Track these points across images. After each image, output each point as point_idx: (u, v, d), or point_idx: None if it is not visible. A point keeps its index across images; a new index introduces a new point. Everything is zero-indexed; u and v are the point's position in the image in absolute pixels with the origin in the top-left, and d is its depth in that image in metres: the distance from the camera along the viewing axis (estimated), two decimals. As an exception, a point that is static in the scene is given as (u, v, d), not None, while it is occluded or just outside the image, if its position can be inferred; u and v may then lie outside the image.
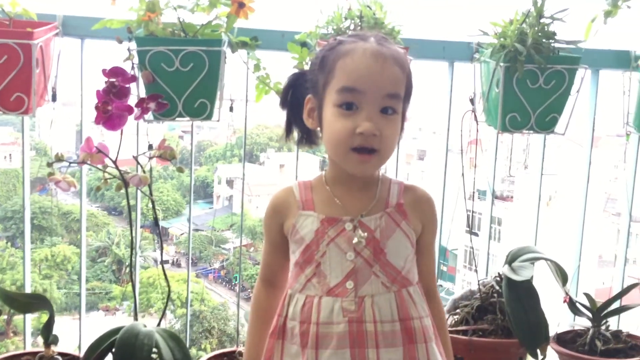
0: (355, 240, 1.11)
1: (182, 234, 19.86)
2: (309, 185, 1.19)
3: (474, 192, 1.75)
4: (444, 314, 1.25)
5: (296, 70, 1.22)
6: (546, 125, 1.69)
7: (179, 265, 19.09)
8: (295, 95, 1.18)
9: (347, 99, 1.07)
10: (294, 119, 1.19)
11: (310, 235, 1.13)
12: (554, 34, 1.63)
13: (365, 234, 1.12)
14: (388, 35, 1.57)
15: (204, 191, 23.64)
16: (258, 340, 1.21)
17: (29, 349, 1.63)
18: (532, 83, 1.63)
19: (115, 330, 1.39)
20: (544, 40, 1.61)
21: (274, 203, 1.20)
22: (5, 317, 14.71)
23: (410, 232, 1.15)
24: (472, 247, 1.81)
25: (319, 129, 1.15)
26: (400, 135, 1.15)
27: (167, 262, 18.80)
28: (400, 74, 1.09)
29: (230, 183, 22.25)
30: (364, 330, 1.10)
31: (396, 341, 1.10)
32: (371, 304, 1.10)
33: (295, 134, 1.21)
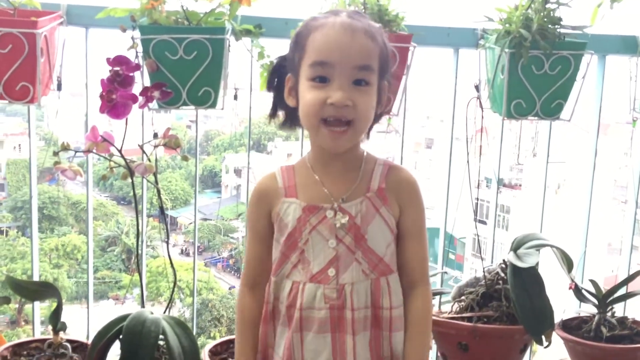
0: (337, 225, 1.11)
1: (190, 223, 19.93)
2: (291, 170, 1.19)
3: (478, 180, 1.74)
4: (424, 312, 1.16)
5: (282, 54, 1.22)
6: (552, 111, 1.68)
7: (187, 254, 19.19)
8: (280, 78, 1.18)
9: (318, 72, 1.07)
10: (278, 101, 1.20)
11: (293, 223, 1.13)
12: (560, 19, 1.62)
13: (347, 218, 1.11)
14: (392, 22, 1.57)
15: (212, 180, 23.71)
16: (249, 350, 1.19)
17: (38, 336, 1.65)
18: (538, 69, 1.62)
19: (123, 318, 1.40)
20: (549, 25, 1.60)
21: (259, 190, 1.19)
22: (16, 306, 14.89)
23: (389, 218, 1.14)
24: (477, 235, 1.80)
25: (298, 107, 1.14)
26: (380, 108, 1.14)
27: (173, 245, 18.88)
28: (371, 46, 1.08)
29: (238, 172, 22.29)
30: (344, 317, 1.11)
31: (366, 325, 1.12)
32: (350, 291, 1.11)
33: (281, 117, 1.21)
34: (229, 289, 17.69)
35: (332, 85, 1.07)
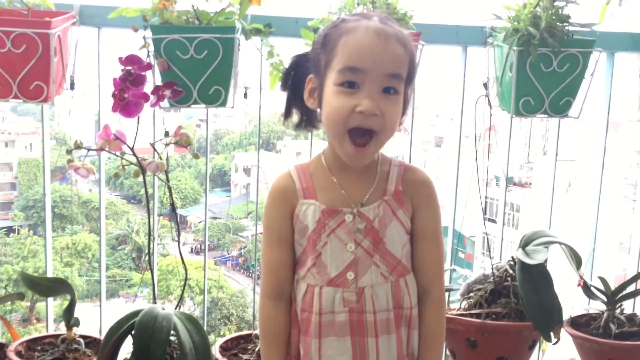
0: (355, 229, 1.10)
1: (200, 222, 20.00)
2: (306, 169, 1.16)
3: (487, 179, 1.75)
4: (438, 323, 1.16)
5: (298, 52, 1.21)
6: (560, 109, 1.68)
7: (197, 253, 19.25)
8: (297, 77, 1.16)
9: (348, 77, 1.05)
10: (294, 101, 1.18)
11: (313, 225, 1.12)
12: (568, 17, 1.62)
13: (364, 223, 1.11)
14: (400, 20, 1.58)
15: (221, 179, 23.79)
16: None
17: (52, 332, 1.67)
18: (546, 67, 1.62)
19: (135, 313, 1.42)
20: (557, 23, 1.60)
21: (278, 190, 1.16)
22: (28, 304, 15.00)
23: (405, 220, 1.14)
24: (486, 233, 1.81)
25: (319, 110, 1.13)
26: (401, 119, 1.13)
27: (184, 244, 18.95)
28: (403, 54, 1.06)
29: (247, 171, 22.35)
30: (364, 320, 1.11)
31: (391, 328, 1.12)
32: (371, 294, 1.11)
33: (295, 117, 1.19)
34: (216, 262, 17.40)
35: (361, 93, 1.04)
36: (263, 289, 1.17)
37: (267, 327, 1.17)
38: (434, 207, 1.17)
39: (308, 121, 1.18)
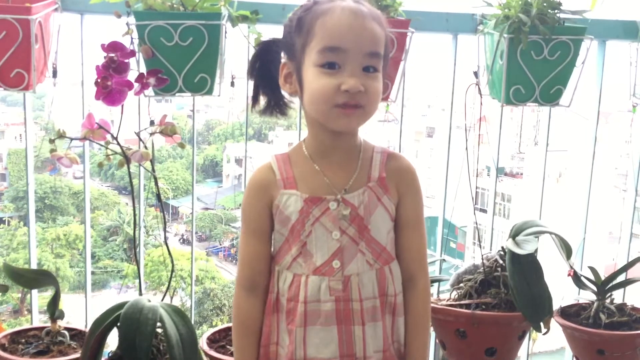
0: (340, 216, 1.10)
1: (192, 212, 19.96)
2: (287, 159, 1.15)
3: (477, 169, 1.74)
4: (425, 309, 1.16)
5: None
6: (551, 97, 1.67)
7: (189, 243, 19.21)
8: (264, 63, 1.16)
9: (329, 58, 1.04)
10: (262, 88, 1.17)
11: (296, 215, 1.11)
12: (559, 4, 1.61)
13: (349, 209, 1.10)
14: (390, 7, 1.56)
15: (213, 170, 23.74)
16: (250, 356, 1.16)
17: (37, 324, 1.65)
18: (537, 54, 1.61)
19: (120, 305, 1.40)
20: (548, 10, 1.59)
21: (256, 183, 1.15)
22: (19, 295, 14.96)
23: (390, 206, 1.13)
24: (476, 223, 1.80)
25: (298, 95, 1.12)
26: (384, 95, 1.13)
27: (175, 235, 18.91)
28: (380, 32, 1.07)
29: (239, 162, 22.30)
30: (351, 308, 1.10)
31: (377, 316, 1.11)
32: (357, 282, 1.10)
33: (262, 102, 1.18)
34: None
35: (343, 72, 1.04)
36: (238, 280, 1.18)
37: (240, 318, 1.17)
38: (417, 194, 1.17)
39: (275, 106, 1.17)
